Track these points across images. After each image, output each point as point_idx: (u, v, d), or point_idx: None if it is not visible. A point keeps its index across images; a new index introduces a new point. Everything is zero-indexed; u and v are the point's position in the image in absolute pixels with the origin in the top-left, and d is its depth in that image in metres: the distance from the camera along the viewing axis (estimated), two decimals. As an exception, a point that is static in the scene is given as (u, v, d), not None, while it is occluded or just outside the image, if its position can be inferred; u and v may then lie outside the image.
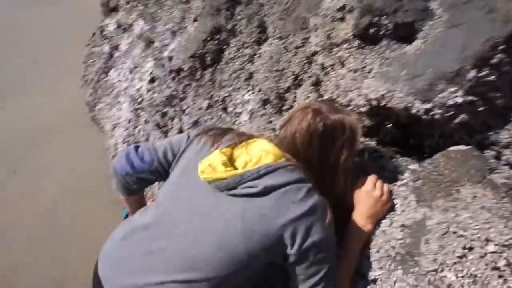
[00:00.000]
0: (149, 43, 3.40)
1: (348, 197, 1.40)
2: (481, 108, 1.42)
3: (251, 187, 1.14)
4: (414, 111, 1.53)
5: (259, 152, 1.25)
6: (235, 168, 1.20)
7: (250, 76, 2.58)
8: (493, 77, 1.35)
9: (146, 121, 3.06)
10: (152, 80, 3.24)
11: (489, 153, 1.51)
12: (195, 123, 2.76)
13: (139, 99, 3.34)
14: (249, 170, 1.17)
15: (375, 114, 1.82)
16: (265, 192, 1.13)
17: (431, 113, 1.49)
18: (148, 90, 3.26)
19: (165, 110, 3.08)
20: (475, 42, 1.31)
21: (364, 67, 1.77)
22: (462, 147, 1.50)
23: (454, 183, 1.42)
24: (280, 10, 2.37)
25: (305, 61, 2.22)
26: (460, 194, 1.39)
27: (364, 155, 1.67)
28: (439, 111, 1.46)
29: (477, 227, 1.28)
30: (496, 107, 1.44)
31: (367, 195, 1.37)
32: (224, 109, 2.70)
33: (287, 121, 1.37)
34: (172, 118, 3.05)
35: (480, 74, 1.35)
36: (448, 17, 1.43)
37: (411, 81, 1.51)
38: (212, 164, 1.18)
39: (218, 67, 2.69)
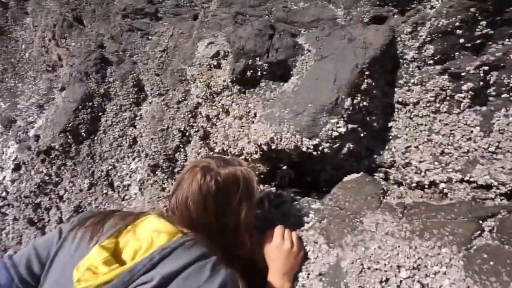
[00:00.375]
0: (10, 123, 2.94)
1: (258, 255, 1.30)
2: (362, 134, 1.44)
3: (146, 282, 0.92)
4: (304, 148, 1.49)
5: (150, 234, 1.06)
6: (123, 263, 0.98)
7: (134, 142, 2.34)
8: (366, 102, 1.39)
9: (15, 219, 2.53)
10: (17, 168, 2.74)
11: (379, 175, 1.53)
12: (77, 209, 2.35)
13: (3, 194, 2.78)
14: (140, 261, 0.97)
15: (268, 159, 1.75)
16: (164, 283, 0.93)
17: (320, 148, 1.46)
18: (13, 181, 2.74)
19: (37, 201, 2.58)
20: (344, 71, 1.35)
21: (249, 112, 1.72)
22: (354, 176, 1.50)
23: (357, 215, 1.39)
24: (155, 66, 2.25)
25: (189, 115, 2.10)
26: (364, 225, 1.35)
27: (265, 205, 1.55)
28: (327, 144, 1.44)
29: (387, 255, 1.26)
30: (374, 131, 1.49)
31: (278, 250, 1.26)
32: (110, 185, 2.37)
33: (176, 186, 1.22)
34: (48, 209, 2.56)
35: (355, 101, 1.38)
36: (316, 51, 1.48)
37: (295, 119, 1.48)
38: (91, 266, 0.94)
39: (95, 138, 2.40)
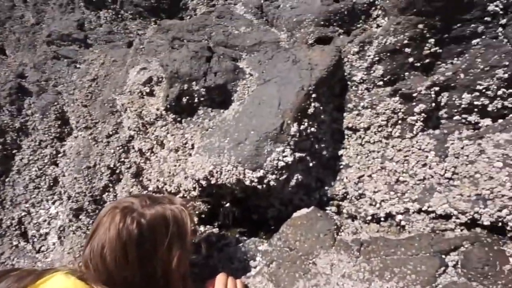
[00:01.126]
0: None
1: None
2: (311, 164, 1.30)
3: None
4: (247, 182, 1.31)
5: None
6: None
7: (55, 182, 2.02)
8: (314, 128, 1.26)
9: None
10: None
11: (331, 209, 1.37)
12: (-24, 264, 1.93)
13: None
14: None
15: (208, 195, 1.54)
16: None
17: (265, 181, 1.29)
18: None
19: None
20: (290, 94, 1.22)
21: (186, 143, 1.52)
22: (304, 211, 1.34)
23: (309, 255, 1.21)
24: (83, 96, 2.01)
25: (120, 150, 1.85)
26: (318, 267, 1.18)
27: (202, 249, 1.32)
28: (273, 176, 1.27)
29: None
30: (324, 160, 1.35)
31: None
32: (22, 234, 2.00)
33: (91, 233, 1.03)
34: None
35: (302, 127, 1.24)
36: (259, 74, 1.34)
37: (236, 148, 1.31)
38: None
39: (6, 179, 2.04)
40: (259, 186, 1.31)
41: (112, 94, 1.86)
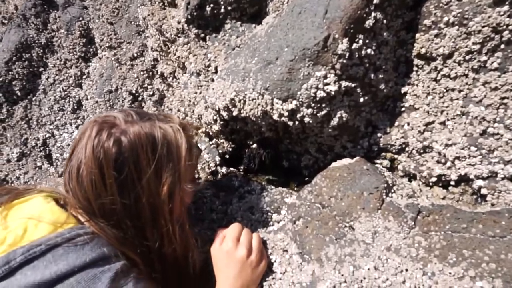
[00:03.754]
0: None
1: (196, 261, 0.94)
2: (363, 99, 0.96)
3: None
4: (275, 115, 1.01)
5: (24, 222, 0.77)
6: None
7: (79, 105, 1.87)
8: (371, 50, 0.91)
9: None
10: None
11: (382, 163, 1.05)
12: (1, 184, 1.89)
13: None
14: None
15: (232, 132, 1.28)
16: None
17: (298, 116, 0.98)
18: None
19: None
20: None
21: (208, 65, 1.24)
22: (346, 161, 1.03)
23: (346, 217, 0.93)
24: (109, 12, 1.77)
25: (144, 75, 1.63)
26: (356, 233, 0.90)
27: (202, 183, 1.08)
28: (308, 110, 0.96)
29: (386, 282, 0.81)
30: (379, 96, 1.01)
31: (229, 256, 0.91)
32: (47, 156, 1.91)
33: (70, 152, 0.85)
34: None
35: (355, 46, 0.89)
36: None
37: (264, 71, 1.00)
38: None
39: (33, 98, 1.92)
40: (290, 123, 1.01)
41: (138, 10, 1.60)
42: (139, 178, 0.79)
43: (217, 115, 1.22)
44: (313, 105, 0.95)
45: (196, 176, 1.10)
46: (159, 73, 1.56)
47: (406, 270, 0.85)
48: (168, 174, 0.81)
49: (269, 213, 1.16)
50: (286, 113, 0.98)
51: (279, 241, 1.06)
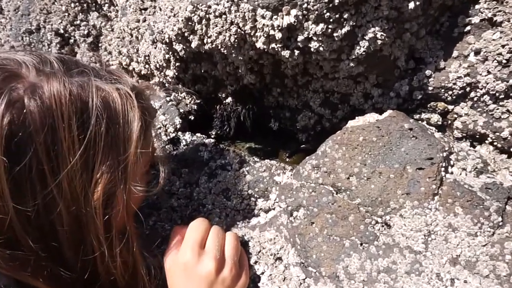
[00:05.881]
0: None
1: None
2: (412, 4, 0.55)
3: None
4: (260, 42, 0.60)
5: None
6: None
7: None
8: None
9: None
10: None
11: (429, 118, 0.66)
12: None
13: None
14: None
15: (195, 81, 0.86)
16: None
17: (300, 38, 0.58)
18: None
19: None
20: None
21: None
22: (372, 117, 0.64)
23: (376, 207, 0.61)
24: None
25: (76, 8, 1.17)
26: (394, 234, 0.62)
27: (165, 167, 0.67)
28: (318, 26, 0.56)
29: None
30: (434, 6, 0.60)
31: (188, 272, 0.61)
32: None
33: None
34: None
35: None
36: None
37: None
38: None
39: None
40: (285, 53, 0.60)
41: None
42: (53, 171, 0.49)
43: (170, 52, 0.79)
44: (327, 15, 0.54)
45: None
46: (94, 1, 1.10)
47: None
48: (105, 168, 0.52)
49: (252, 199, 0.83)
50: (278, 35, 0.57)
51: (268, 243, 0.71)
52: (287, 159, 1.02)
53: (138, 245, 0.59)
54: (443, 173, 0.57)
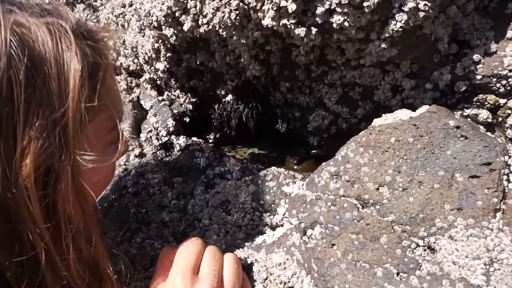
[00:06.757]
0: None
1: None
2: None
3: None
4: (267, 18, 0.47)
5: None
6: None
7: None
8: None
9: None
10: None
11: (478, 114, 0.54)
12: None
13: None
14: None
15: (191, 76, 0.75)
16: None
17: (319, 11, 0.44)
18: None
19: None
20: None
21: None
22: (405, 115, 0.53)
23: (416, 226, 0.51)
24: None
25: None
26: (442, 260, 0.51)
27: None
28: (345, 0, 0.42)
29: None
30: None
31: None
32: None
33: None
34: None
35: None
36: None
37: None
38: None
39: None
40: (300, 31, 0.48)
41: None
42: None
43: (159, 40, 0.67)
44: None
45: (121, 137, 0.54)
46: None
47: None
48: (34, 132, 0.38)
49: (257, 213, 0.70)
50: (292, 7, 0.45)
51: (276, 268, 0.59)
52: (295, 167, 0.90)
53: (100, 235, 0.45)
54: (505, 183, 0.44)
